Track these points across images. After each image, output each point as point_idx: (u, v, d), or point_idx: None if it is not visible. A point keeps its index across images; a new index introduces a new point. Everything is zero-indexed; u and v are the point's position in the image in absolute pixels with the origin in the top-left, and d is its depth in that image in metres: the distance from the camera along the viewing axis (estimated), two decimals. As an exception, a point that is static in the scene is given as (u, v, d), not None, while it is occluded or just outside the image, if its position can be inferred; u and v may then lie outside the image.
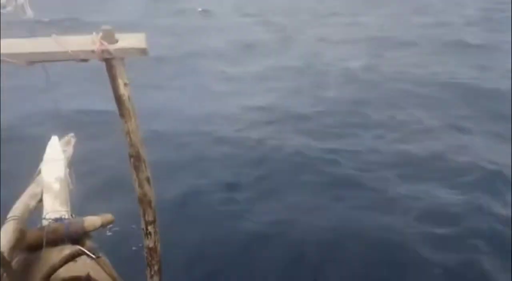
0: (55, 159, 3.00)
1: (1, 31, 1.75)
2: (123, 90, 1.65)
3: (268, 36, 12.71)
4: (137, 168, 1.69)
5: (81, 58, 1.60)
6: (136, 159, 1.68)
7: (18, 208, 2.60)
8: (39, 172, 2.95)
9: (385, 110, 7.29)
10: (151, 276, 1.78)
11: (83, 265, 2.32)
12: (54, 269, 2.03)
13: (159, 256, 1.76)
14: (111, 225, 2.67)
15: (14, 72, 6.24)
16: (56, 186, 2.79)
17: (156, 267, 1.77)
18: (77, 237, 2.58)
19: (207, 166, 5.54)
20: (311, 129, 6.67)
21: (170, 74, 9.26)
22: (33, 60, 1.59)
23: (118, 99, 1.66)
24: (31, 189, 2.82)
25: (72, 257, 2.06)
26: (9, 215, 2.44)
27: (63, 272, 2.10)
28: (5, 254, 2.08)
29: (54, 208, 2.65)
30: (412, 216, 4.41)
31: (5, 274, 2.14)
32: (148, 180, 1.72)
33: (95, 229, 2.64)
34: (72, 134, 3.44)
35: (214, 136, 6.38)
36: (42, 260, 2.32)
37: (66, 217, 2.62)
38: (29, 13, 2.09)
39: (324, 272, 3.73)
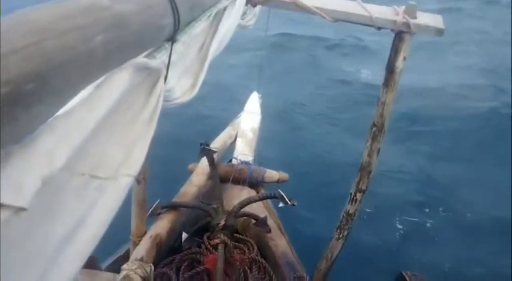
0: (253, 112, 3.39)
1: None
2: (400, 63, 1.77)
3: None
4: (375, 138, 1.81)
5: (379, 26, 1.76)
6: (378, 129, 1.80)
7: (218, 143, 3.05)
8: (239, 118, 3.38)
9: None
10: (338, 238, 1.94)
11: (258, 208, 2.64)
12: (248, 202, 2.36)
13: (352, 224, 1.90)
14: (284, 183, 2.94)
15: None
16: (250, 135, 3.16)
17: (345, 232, 1.92)
18: (255, 183, 2.93)
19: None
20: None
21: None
22: (338, 18, 1.80)
23: (391, 70, 1.78)
24: (229, 131, 3.26)
25: (266, 198, 2.36)
26: (211, 146, 2.90)
27: (246, 208, 2.43)
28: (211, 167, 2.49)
29: (244, 152, 3.02)
30: None
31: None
32: (378, 151, 1.83)
33: (271, 182, 2.93)
34: (260, 95, 3.77)
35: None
36: (226, 192, 2.72)
37: (252, 163, 2.97)
38: None
39: None
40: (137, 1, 0.74)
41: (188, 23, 1.10)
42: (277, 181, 2.91)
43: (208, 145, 2.45)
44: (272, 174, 2.90)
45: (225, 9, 1.54)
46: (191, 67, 1.28)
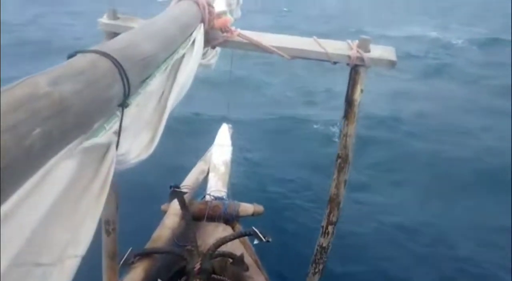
0: (224, 145, 3.37)
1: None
2: (357, 96, 1.81)
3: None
4: (340, 170, 1.85)
5: (334, 60, 1.81)
6: (343, 161, 1.83)
7: (189, 180, 3.01)
8: (209, 151, 3.36)
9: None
10: (314, 273, 1.92)
11: (234, 245, 2.59)
12: (223, 242, 2.31)
13: (327, 257, 1.89)
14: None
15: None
16: (222, 168, 3.14)
17: (321, 266, 1.90)
18: (230, 219, 2.89)
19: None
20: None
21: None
22: (296, 56, 1.85)
23: (350, 103, 1.82)
24: (200, 166, 3.23)
25: (240, 236, 2.31)
26: (183, 184, 2.85)
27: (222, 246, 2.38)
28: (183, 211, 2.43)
29: (217, 188, 2.99)
30: None
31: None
32: (345, 183, 1.85)
33: (246, 215, 2.90)
34: (230, 125, 3.78)
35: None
36: (201, 230, 2.66)
37: (226, 198, 2.94)
38: (239, 13, 2.41)
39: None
40: (81, 77, 0.72)
41: (142, 83, 1.08)
42: (252, 214, 2.88)
43: (178, 186, 2.41)
44: (246, 208, 2.87)
45: (183, 56, 1.53)
46: (149, 121, 1.25)
